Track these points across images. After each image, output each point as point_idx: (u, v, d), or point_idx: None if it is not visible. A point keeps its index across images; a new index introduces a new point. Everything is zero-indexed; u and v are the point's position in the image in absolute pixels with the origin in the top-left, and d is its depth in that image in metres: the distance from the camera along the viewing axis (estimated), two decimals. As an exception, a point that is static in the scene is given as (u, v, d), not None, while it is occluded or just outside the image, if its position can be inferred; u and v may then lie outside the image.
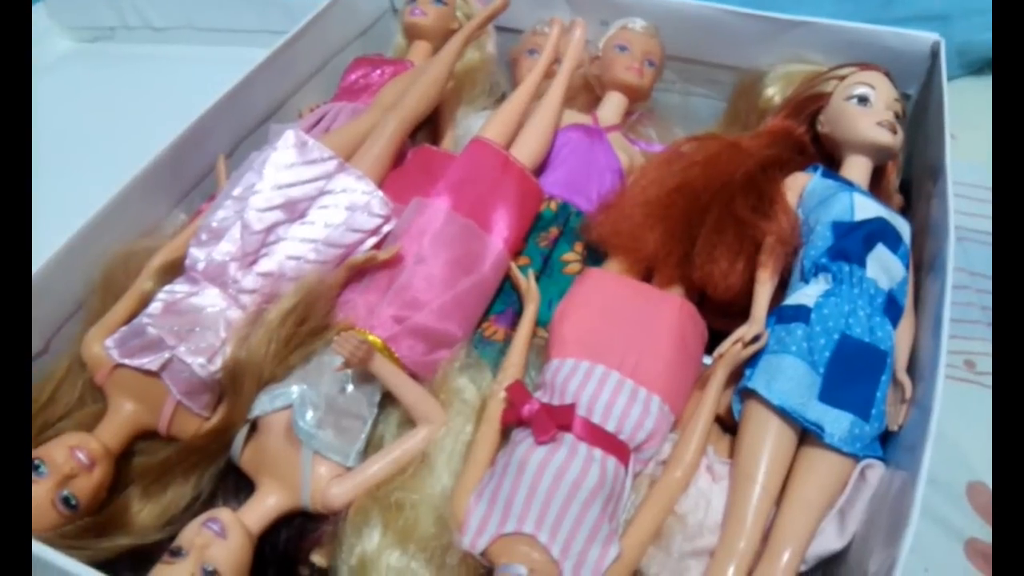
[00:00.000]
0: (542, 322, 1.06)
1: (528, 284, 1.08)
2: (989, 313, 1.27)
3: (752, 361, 0.95)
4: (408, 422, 0.97)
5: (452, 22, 1.45)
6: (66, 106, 1.87)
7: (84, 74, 2.00)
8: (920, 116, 1.24)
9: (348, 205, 1.08)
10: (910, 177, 1.23)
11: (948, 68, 1.17)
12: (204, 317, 0.99)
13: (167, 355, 0.96)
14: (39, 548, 0.76)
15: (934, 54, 1.21)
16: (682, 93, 1.47)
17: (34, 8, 2.06)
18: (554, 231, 1.16)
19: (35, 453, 0.88)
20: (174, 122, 1.20)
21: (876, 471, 0.87)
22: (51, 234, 1.04)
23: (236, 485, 0.96)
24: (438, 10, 1.43)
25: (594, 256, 1.15)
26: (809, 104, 1.15)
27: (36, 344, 1.04)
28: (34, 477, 0.86)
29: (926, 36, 1.22)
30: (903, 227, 1.01)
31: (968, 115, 1.32)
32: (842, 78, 1.12)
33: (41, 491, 0.86)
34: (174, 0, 1.97)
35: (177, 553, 0.82)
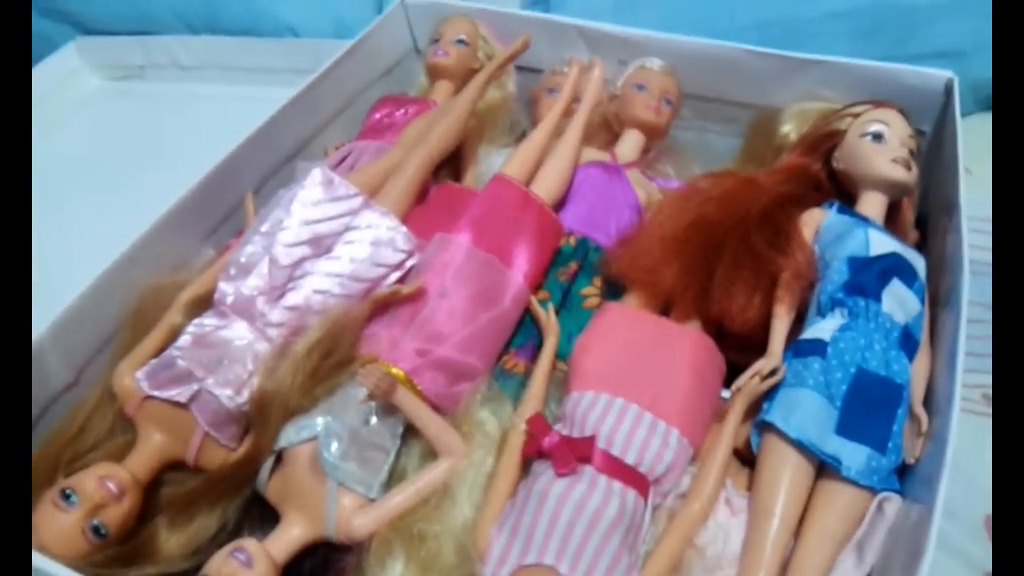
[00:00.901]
0: (562, 355, 1.07)
1: (548, 318, 1.10)
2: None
3: (770, 395, 0.96)
4: (430, 454, 0.98)
5: (474, 62, 1.48)
6: (96, 143, 1.91)
7: (113, 112, 2.04)
8: (935, 152, 1.25)
9: (373, 240, 1.10)
10: (926, 212, 1.24)
11: (963, 104, 1.18)
12: (232, 350, 1.01)
13: (196, 387, 0.98)
14: (69, 576, 0.78)
15: (948, 91, 1.22)
16: (699, 130, 1.49)
17: (64, 47, 2.11)
18: (573, 266, 1.17)
19: (66, 483, 0.90)
20: (202, 159, 1.23)
21: (893, 504, 0.88)
22: (81, 269, 1.07)
23: (262, 515, 0.98)
24: (460, 51, 1.46)
25: (613, 290, 1.16)
26: (824, 141, 1.16)
27: (67, 376, 1.06)
28: (65, 506, 0.88)
29: (940, 74, 1.23)
30: (918, 262, 1.02)
31: (983, 150, 1.32)
32: (857, 115, 1.14)
33: (71, 520, 0.87)
34: (202, 40, 2.02)
35: (204, 582, 0.83)
